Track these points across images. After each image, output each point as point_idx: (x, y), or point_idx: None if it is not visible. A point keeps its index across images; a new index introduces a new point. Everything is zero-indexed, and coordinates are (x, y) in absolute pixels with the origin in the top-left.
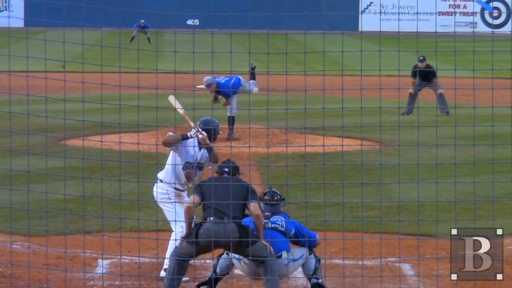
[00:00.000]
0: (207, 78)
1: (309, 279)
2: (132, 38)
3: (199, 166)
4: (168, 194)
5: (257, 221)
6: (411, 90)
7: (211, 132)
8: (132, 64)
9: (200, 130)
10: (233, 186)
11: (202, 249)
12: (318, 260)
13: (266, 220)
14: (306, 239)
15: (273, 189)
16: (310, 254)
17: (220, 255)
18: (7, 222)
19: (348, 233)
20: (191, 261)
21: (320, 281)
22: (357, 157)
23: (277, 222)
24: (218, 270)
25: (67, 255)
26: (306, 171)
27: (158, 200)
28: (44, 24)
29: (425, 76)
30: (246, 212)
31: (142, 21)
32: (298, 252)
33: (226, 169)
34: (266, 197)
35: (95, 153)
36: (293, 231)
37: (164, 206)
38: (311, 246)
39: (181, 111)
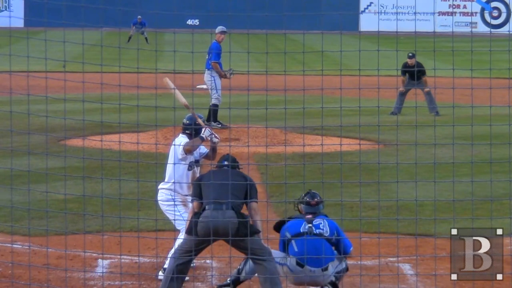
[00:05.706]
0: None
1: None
2: (130, 38)
3: (197, 161)
4: (173, 197)
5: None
6: (401, 89)
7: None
8: (132, 64)
9: (215, 133)
10: (232, 175)
11: (202, 239)
12: (346, 269)
13: (310, 225)
14: (342, 254)
15: (313, 191)
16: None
17: (247, 258)
18: (8, 221)
19: (347, 233)
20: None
21: (337, 282)
22: (356, 157)
23: (321, 227)
24: (243, 273)
25: (67, 255)
26: (305, 171)
27: (164, 206)
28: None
29: (415, 74)
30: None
31: (139, 17)
32: (340, 264)
33: (226, 162)
34: (307, 198)
35: (95, 153)
36: (335, 233)
37: (170, 212)
38: (345, 253)
39: (182, 100)
